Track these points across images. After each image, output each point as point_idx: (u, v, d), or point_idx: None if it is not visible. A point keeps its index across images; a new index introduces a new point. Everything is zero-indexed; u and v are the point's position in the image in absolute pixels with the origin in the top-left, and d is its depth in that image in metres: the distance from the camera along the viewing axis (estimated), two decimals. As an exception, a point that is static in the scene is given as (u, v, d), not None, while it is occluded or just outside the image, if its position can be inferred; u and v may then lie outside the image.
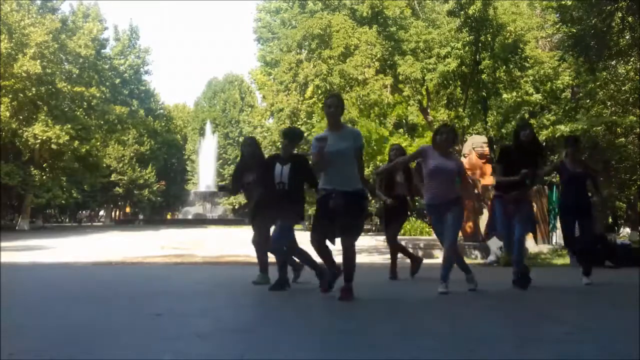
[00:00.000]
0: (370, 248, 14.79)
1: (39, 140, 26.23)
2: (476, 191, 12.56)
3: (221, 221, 36.98)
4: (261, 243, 5.36)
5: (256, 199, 5.41)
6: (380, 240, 15.50)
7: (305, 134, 30.83)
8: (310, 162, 5.04)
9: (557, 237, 17.02)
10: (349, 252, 4.37)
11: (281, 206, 5.00)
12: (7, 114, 24.95)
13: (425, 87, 13.57)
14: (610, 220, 24.85)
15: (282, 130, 5.87)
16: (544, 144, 17.66)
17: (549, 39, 17.01)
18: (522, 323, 3.53)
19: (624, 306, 4.40)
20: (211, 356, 2.54)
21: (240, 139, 27.16)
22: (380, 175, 6.48)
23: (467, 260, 11.33)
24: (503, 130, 14.68)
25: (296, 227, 5.26)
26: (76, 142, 27.91)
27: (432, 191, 4.97)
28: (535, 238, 12.35)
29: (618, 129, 17.85)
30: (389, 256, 6.67)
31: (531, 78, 13.57)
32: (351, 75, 12.26)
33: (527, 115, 16.74)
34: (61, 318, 3.63)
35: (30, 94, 25.88)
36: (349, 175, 4.42)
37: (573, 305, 4.55)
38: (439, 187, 4.92)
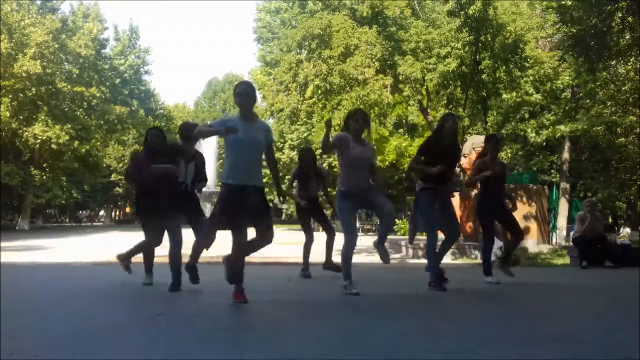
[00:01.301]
0: (370, 248, 14.75)
1: (39, 140, 26.24)
2: (476, 191, 12.55)
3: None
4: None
5: (165, 199, 5.23)
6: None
7: (305, 135, 30.98)
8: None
9: (557, 237, 17.05)
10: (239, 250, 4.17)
11: (190, 206, 5.24)
12: (7, 114, 24.95)
13: (425, 87, 13.56)
14: (610, 220, 24.88)
15: (181, 125, 5.57)
16: (544, 144, 17.72)
17: (549, 39, 17.02)
18: (522, 323, 3.53)
19: (624, 306, 4.40)
20: (211, 356, 2.54)
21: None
22: (294, 178, 6.59)
23: (467, 260, 11.38)
24: (503, 131, 14.67)
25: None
26: (76, 142, 27.91)
27: (351, 181, 4.71)
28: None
29: (618, 129, 17.89)
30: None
31: (531, 78, 13.56)
32: (351, 75, 12.25)
33: (527, 115, 16.75)
34: (61, 318, 3.63)
35: (30, 94, 25.88)
36: (258, 169, 4.24)
37: (573, 305, 4.55)
38: (358, 177, 4.70)
